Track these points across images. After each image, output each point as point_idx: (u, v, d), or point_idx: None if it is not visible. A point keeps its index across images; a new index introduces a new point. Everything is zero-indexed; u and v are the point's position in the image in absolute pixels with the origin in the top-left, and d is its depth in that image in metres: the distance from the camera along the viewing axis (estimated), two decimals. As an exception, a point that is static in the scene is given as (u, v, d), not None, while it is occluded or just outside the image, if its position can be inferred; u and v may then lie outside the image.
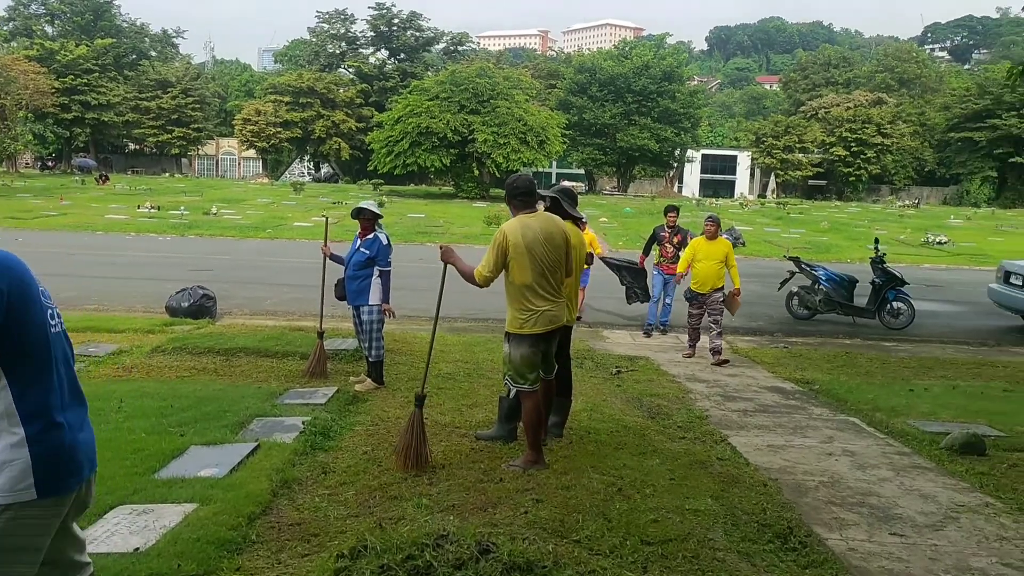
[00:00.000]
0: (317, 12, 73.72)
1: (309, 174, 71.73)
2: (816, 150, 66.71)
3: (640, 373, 8.71)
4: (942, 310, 14.85)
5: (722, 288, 9.58)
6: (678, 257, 10.89)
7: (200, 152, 74.28)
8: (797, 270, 13.37)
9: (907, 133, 67.40)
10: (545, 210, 5.88)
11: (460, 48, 77.80)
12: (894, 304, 12.67)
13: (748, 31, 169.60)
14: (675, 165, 66.37)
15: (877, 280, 12.79)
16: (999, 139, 61.34)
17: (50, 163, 68.12)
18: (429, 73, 61.90)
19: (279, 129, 62.72)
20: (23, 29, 69.58)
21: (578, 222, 5.88)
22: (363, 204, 7.37)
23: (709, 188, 72.38)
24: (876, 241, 13.47)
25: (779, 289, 13.41)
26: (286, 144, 65.46)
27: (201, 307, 10.96)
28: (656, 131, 57.53)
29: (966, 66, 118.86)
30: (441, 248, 5.02)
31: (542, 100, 59.79)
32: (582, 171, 66.65)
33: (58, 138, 62.67)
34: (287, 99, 63.33)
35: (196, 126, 66.99)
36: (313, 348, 7.66)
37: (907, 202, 58.19)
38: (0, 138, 43.68)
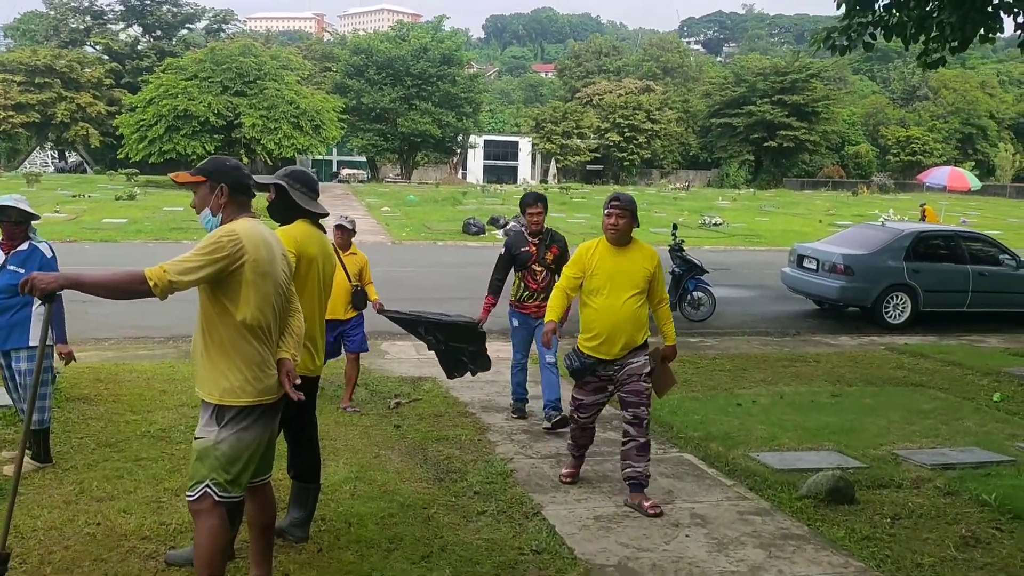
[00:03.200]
0: (54, -19, 65.33)
1: (52, 163, 63.59)
2: (592, 135, 68.27)
3: (425, 403, 6.94)
4: (736, 296, 14.32)
5: (645, 346, 4.87)
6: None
7: (-88, 141, 63.56)
8: (594, 261, 12.19)
9: (673, 119, 70.69)
10: (269, 204, 3.98)
11: (224, 27, 72.03)
12: (695, 294, 11.81)
13: (523, 21, 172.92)
14: (458, 151, 65.37)
15: (677, 269, 11.86)
16: (754, 124, 65.77)
17: None
18: (190, 52, 56.48)
19: (11, 113, 54.54)
20: None
21: (317, 220, 4.00)
22: (5, 200, 5.00)
23: (493, 174, 72.04)
24: (674, 227, 12.60)
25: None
26: (21, 130, 57.28)
27: None
28: (437, 116, 56.02)
29: (718, 58, 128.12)
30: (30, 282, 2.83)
31: (317, 83, 56.46)
32: (363, 158, 63.97)
33: None
34: (19, 79, 55.24)
35: (-97, 110, 56.99)
36: (-61, 414, 5.19)
37: (677, 185, 60.86)
38: None
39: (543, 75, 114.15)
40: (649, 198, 43.99)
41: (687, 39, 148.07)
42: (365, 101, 55.39)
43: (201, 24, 71.04)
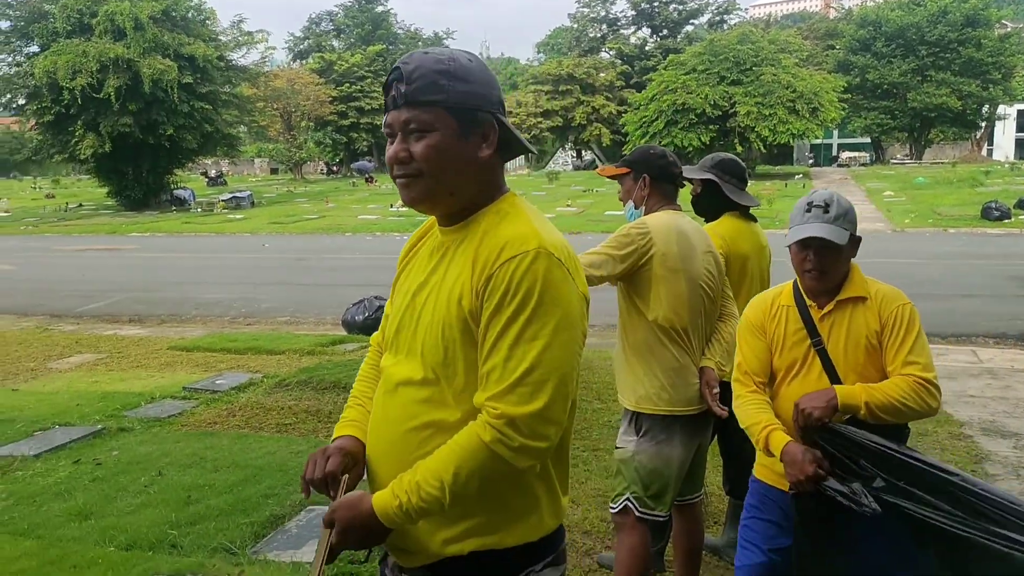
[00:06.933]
0: (578, -3, 73.18)
1: (571, 162, 71.46)
2: None
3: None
4: None
5: None
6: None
7: (468, 148, 76.66)
8: None
9: None
10: (694, 198, 3.82)
11: (727, 18, 73.20)
12: None
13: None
14: (982, 124, 57.16)
15: None
16: None
17: (333, 168, 73.57)
18: (691, 47, 58.65)
19: (540, 119, 62.82)
20: (315, 46, 76.24)
21: (747, 212, 3.70)
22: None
23: (1028, 149, 61.84)
24: None
25: None
26: (547, 134, 65.51)
27: (377, 321, 9.76)
28: (957, 86, 49.57)
29: None
30: None
31: (817, 64, 54.11)
32: (867, 139, 59.69)
33: (336, 144, 66.36)
34: (547, 88, 63.34)
35: (461, 123, 69.01)
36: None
37: None
38: (287, 147, 47.37)
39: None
40: None
41: None
42: (870, 77, 51.51)
43: (704, 18, 73.30)
